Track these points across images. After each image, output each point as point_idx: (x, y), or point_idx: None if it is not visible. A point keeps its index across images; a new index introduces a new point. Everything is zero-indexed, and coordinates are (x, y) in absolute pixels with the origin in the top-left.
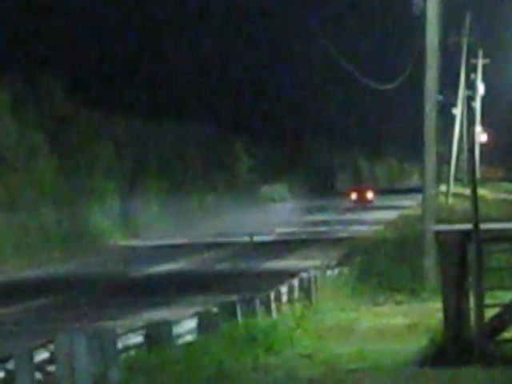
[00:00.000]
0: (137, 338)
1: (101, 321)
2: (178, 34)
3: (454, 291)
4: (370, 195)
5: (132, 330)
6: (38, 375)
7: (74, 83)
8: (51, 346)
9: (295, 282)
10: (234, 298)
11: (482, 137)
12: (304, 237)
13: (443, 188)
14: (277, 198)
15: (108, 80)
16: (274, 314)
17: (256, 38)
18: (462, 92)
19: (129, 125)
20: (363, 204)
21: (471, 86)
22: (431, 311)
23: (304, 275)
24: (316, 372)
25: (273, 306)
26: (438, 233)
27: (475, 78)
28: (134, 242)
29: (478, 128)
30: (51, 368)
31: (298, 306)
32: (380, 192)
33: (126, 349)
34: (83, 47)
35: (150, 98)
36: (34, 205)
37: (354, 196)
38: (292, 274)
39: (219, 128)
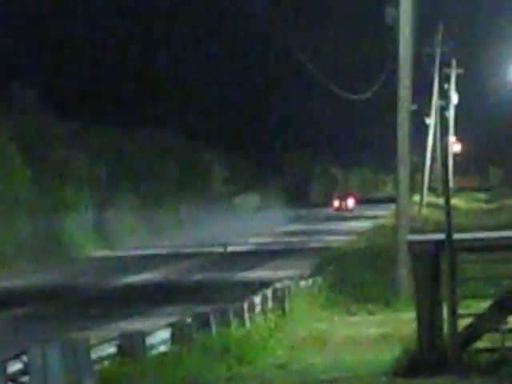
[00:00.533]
0: (110, 349)
1: (74, 332)
2: (155, 46)
3: (428, 301)
4: (350, 204)
5: (105, 341)
6: None
7: (48, 94)
8: (24, 357)
9: (269, 292)
10: (208, 308)
11: (455, 146)
12: (278, 247)
13: (417, 198)
14: (251, 208)
15: (82, 91)
16: (248, 325)
17: (229, 51)
18: (435, 101)
19: (103, 136)
20: (345, 210)
21: (445, 95)
22: (405, 321)
23: (278, 285)
24: (290, 382)
25: (246, 316)
26: (411, 243)
27: (448, 88)
28: (108, 253)
29: (452, 138)
30: (24, 379)
31: (271, 316)
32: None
33: (100, 359)
34: (57, 58)
35: (124, 109)
36: (8, 215)
37: (336, 203)
38: (262, 283)
39: (192, 139)
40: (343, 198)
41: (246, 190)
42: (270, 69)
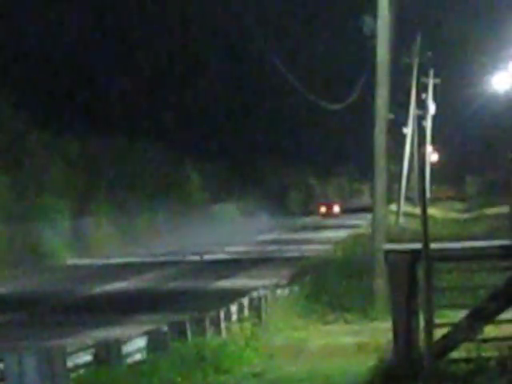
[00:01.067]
0: (86, 357)
1: (50, 340)
2: (131, 52)
3: (404, 310)
4: (336, 209)
5: (81, 349)
6: None
7: (24, 101)
8: (0, 365)
9: (245, 301)
10: (184, 317)
11: (432, 156)
12: (255, 256)
13: (394, 207)
14: (229, 217)
15: (59, 98)
16: (224, 333)
17: (206, 58)
18: (412, 111)
19: (80, 144)
20: (330, 216)
21: (422, 105)
22: (381, 330)
23: (254, 294)
24: None
25: (223, 325)
26: (387, 252)
27: (426, 98)
28: (85, 261)
29: (429, 147)
30: None
31: (247, 325)
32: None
33: (76, 367)
34: (34, 64)
35: (101, 117)
36: None
37: (323, 209)
38: (239, 293)
39: (169, 147)
40: (329, 205)
41: (224, 199)
42: (249, 79)
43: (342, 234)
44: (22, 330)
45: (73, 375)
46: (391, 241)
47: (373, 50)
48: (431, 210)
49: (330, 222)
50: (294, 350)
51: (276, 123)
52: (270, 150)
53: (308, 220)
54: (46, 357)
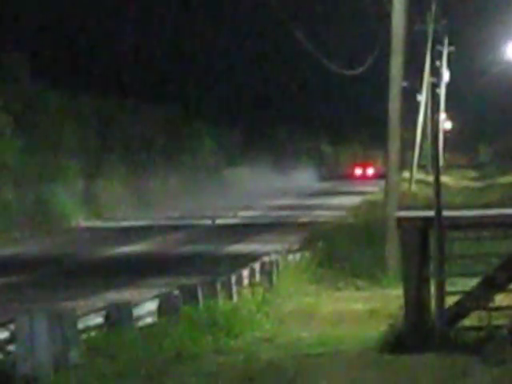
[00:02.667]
0: (97, 319)
1: (62, 301)
2: (146, 16)
3: (415, 278)
4: (370, 172)
5: (93, 311)
6: None
7: (40, 63)
8: (12, 326)
9: (257, 265)
10: (195, 280)
11: (446, 124)
12: (267, 221)
13: (407, 174)
14: (241, 181)
15: (74, 60)
16: (235, 298)
17: (222, 23)
18: (426, 79)
19: (94, 105)
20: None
21: (436, 73)
22: (392, 297)
23: (266, 259)
24: (276, 356)
25: (234, 289)
26: (400, 219)
27: (440, 65)
28: (97, 223)
29: (443, 115)
30: (11, 348)
31: (259, 289)
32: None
33: (87, 329)
34: (49, 27)
35: (115, 79)
36: None
37: (358, 171)
38: (250, 258)
39: (183, 111)
40: (364, 167)
41: (237, 163)
42: (263, 40)
43: (355, 200)
44: (33, 292)
45: (84, 337)
46: (404, 208)
47: (389, 18)
48: (444, 178)
49: (344, 188)
50: (305, 315)
51: (290, 89)
52: (283, 115)
53: (321, 185)
54: (57, 319)
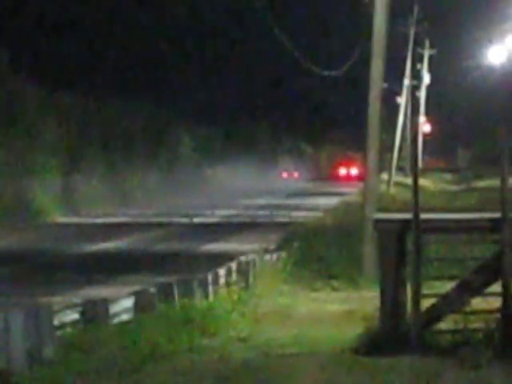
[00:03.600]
0: (73, 315)
1: (37, 297)
2: (130, 12)
3: (392, 280)
4: (354, 172)
5: (68, 307)
6: None
7: (20, 58)
8: None
9: (233, 265)
10: (172, 278)
11: (425, 127)
12: (244, 220)
13: (385, 176)
14: (220, 180)
15: (54, 55)
16: (211, 297)
17: (202, 23)
18: (407, 81)
19: (74, 103)
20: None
21: (417, 75)
22: (368, 299)
23: (243, 259)
24: (251, 355)
25: (210, 288)
26: (377, 221)
27: (421, 68)
28: (74, 220)
29: (422, 118)
30: None
31: (235, 289)
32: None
33: (62, 326)
34: (31, 23)
35: (94, 75)
36: None
37: (343, 171)
38: (227, 257)
39: (161, 109)
40: (348, 166)
41: (215, 163)
42: (245, 40)
43: (332, 201)
44: (9, 287)
45: (59, 333)
46: (381, 210)
47: (370, 20)
48: (422, 181)
49: (321, 188)
50: (281, 315)
51: (271, 89)
52: (263, 114)
53: (299, 185)
54: (33, 314)
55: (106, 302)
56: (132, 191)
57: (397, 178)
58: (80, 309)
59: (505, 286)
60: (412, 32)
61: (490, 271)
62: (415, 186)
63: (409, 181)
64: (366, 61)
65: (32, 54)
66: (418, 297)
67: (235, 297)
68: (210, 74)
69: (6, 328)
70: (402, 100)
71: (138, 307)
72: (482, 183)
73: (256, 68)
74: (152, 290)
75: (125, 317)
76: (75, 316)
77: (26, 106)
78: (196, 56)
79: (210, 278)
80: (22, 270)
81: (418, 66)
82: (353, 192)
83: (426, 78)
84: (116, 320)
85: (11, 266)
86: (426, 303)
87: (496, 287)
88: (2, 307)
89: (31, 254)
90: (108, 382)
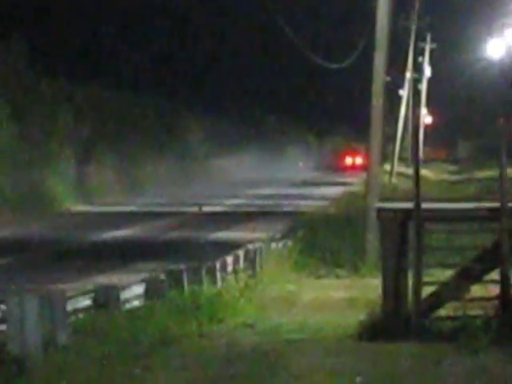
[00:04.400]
0: (85, 302)
1: (51, 284)
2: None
3: (394, 268)
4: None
5: (81, 294)
6: None
7: (36, 50)
8: (2, 306)
9: (241, 253)
10: (181, 266)
11: (426, 119)
12: (252, 209)
13: (387, 167)
14: (229, 170)
15: (69, 47)
16: (220, 284)
17: (212, 13)
18: (409, 74)
19: (87, 93)
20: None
21: (418, 68)
22: (371, 286)
23: (250, 247)
24: (257, 341)
25: (218, 275)
26: (380, 210)
27: (422, 61)
28: (88, 208)
29: (423, 110)
30: (2, 327)
31: (242, 276)
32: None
33: (75, 311)
34: (48, 15)
35: (109, 67)
36: None
37: (348, 161)
38: (235, 245)
39: (171, 100)
40: (353, 156)
41: (224, 153)
42: (251, 31)
43: (337, 190)
44: (25, 274)
45: (72, 319)
46: (384, 199)
47: (373, 14)
48: (423, 171)
49: (326, 178)
50: (287, 302)
51: (278, 82)
52: (271, 107)
53: (305, 175)
54: (47, 300)
55: (117, 289)
56: (143, 181)
57: (399, 168)
58: (92, 295)
59: (503, 274)
60: (414, 26)
61: (488, 260)
62: (416, 176)
63: (410, 171)
64: (369, 54)
65: (49, 47)
66: (419, 284)
67: (242, 284)
68: (218, 65)
69: (22, 314)
70: (404, 92)
71: (148, 294)
72: (482, 173)
73: (263, 58)
74: (162, 276)
75: (136, 303)
76: (87, 302)
77: (42, 98)
78: (206, 47)
79: (218, 265)
80: (36, 257)
81: (420, 59)
82: (357, 182)
83: (428, 71)
84: (127, 306)
85: (26, 253)
86: (426, 291)
87: (495, 275)
88: (18, 293)
89: (45, 242)
90: (120, 367)
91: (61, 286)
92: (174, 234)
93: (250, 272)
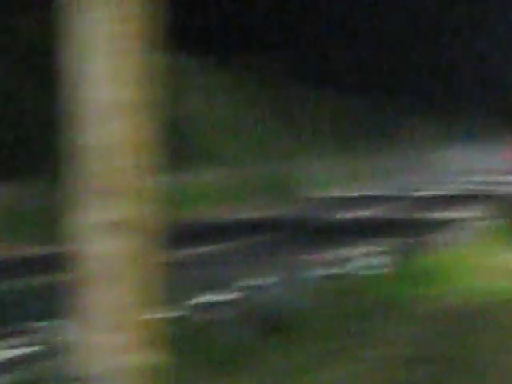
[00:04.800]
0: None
1: (306, 255)
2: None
3: None
4: None
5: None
6: None
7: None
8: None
9: (458, 228)
10: (408, 240)
11: None
12: (465, 194)
13: None
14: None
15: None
16: (435, 257)
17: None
18: None
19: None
20: None
21: None
22: None
23: (463, 223)
24: (477, 302)
25: (440, 247)
26: None
27: None
28: (322, 194)
29: None
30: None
31: (460, 248)
32: None
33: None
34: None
35: (346, 74)
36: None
37: None
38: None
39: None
40: None
41: (441, 146)
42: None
43: None
44: (285, 248)
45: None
46: None
47: None
48: None
49: None
50: (501, 270)
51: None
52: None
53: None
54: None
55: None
56: (366, 171)
57: None
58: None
59: None
60: None
61: None
62: None
63: None
64: None
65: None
66: None
67: (461, 254)
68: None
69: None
70: None
71: (384, 264)
72: None
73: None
74: (393, 250)
75: (375, 271)
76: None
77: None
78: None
79: (440, 238)
80: (291, 235)
81: None
82: None
83: None
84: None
85: (282, 231)
86: None
87: None
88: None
89: (295, 222)
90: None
91: (314, 257)
92: (401, 215)
93: (465, 245)
